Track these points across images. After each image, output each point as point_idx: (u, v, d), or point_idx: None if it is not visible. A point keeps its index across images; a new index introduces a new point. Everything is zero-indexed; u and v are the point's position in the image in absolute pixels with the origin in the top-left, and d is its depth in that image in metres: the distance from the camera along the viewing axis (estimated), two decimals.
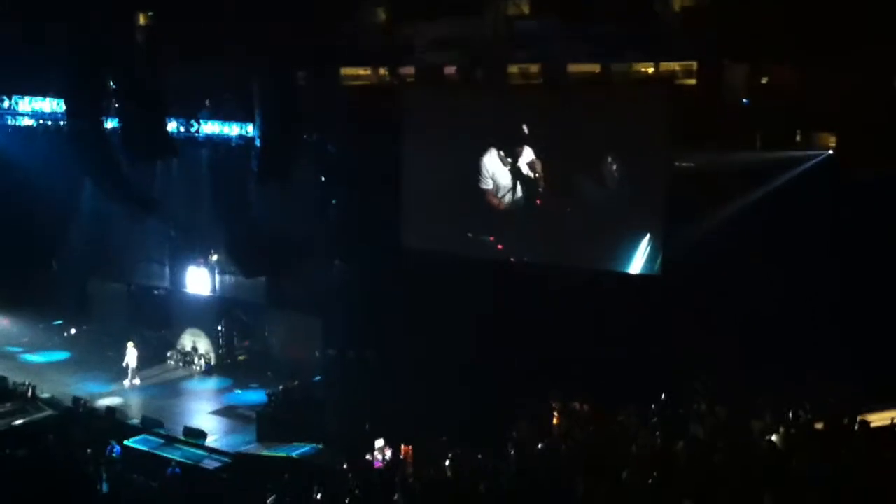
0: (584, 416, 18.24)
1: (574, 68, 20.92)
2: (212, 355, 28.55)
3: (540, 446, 16.64)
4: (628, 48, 19.77)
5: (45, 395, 24.79)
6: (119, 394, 25.90)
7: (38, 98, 26.38)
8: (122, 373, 26.53)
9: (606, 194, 20.64)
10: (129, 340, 26.88)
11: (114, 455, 20.43)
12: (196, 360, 28.49)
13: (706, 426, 15.36)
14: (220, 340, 28.79)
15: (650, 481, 12.80)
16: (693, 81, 19.78)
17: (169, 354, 28.97)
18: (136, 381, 26.56)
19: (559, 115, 20.86)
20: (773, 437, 13.51)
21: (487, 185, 22.26)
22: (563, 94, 21.05)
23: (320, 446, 21.10)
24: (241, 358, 28.27)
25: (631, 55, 20.03)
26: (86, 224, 29.68)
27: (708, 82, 19.15)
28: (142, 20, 25.38)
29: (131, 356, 26.63)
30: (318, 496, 16.72)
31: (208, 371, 28.04)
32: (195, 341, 29.01)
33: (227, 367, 27.98)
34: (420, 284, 23.07)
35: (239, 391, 26.26)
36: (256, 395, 25.04)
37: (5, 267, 30.52)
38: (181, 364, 28.62)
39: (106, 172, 25.29)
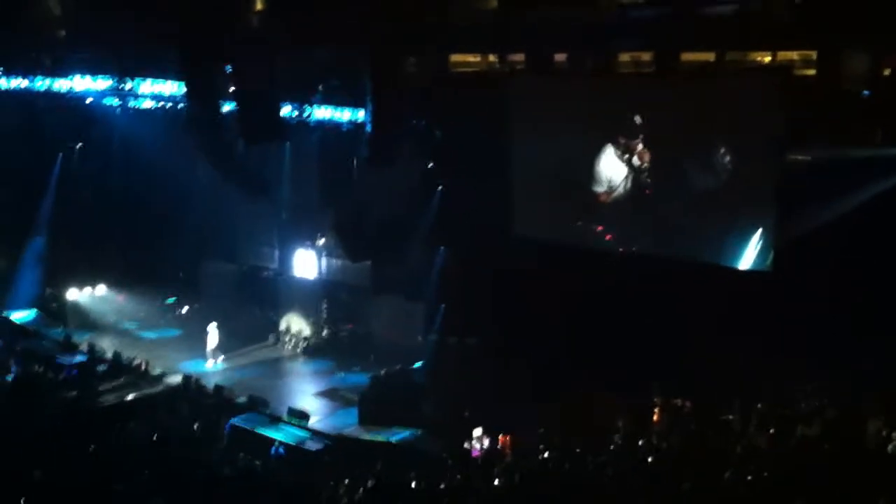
0: (686, 413, 17.87)
1: (687, 56, 20.38)
2: (316, 337, 28.97)
3: (641, 443, 16.41)
4: (744, 36, 19.10)
5: (157, 371, 25.63)
6: (226, 372, 26.55)
7: (159, 80, 27.27)
8: (213, 352, 27.16)
9: (718, 186, 20.07)
10: (214, 321, 27.45)
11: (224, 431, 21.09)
12: (300, 341, 28.93)
13: (816, 426, 14.84)
14: (325, 323, 29.20)
15: (756, 481, 12.50)
16: (812, 71, 19.01)
17: (275, 335, 29.51)
18: (218, 361, 27.09)
19: (671, 105, 20.38)
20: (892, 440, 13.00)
21: (599, 178, 21.91)
22: (675, 83, 20.57)
23: (419, 432, 21.22)
24: (344, 341, 28.51)
25: (747, 43, 19.37)
26: (201, 205, 30.40)
27: (827, 72, 18.36)
28: (258, 5, 25.80)
29: (213, 337, 27.23)
30: (415, 483, 16.81)
31: (312, 353, 28.41)
32: (300, 323, 29.45)
33: (330, 350, 28.28)
34: (525, 272, 22.93)
35: (342, 374, 26.50)
36: (359, 379, 25.23)
37: (122, 246, 31.61)
38: (286, 345, 29.13)
39: (221, 155, 25.96)
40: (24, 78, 28.87)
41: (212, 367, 26.83)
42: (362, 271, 28.66)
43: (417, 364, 24.98)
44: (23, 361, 25.15)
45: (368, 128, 23.37)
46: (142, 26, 24.63)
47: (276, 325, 29.79)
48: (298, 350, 28.74)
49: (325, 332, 28.96)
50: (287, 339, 29.20)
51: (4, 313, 29.65)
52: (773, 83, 19.26)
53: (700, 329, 19.71)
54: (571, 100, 22.11)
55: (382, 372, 24.20)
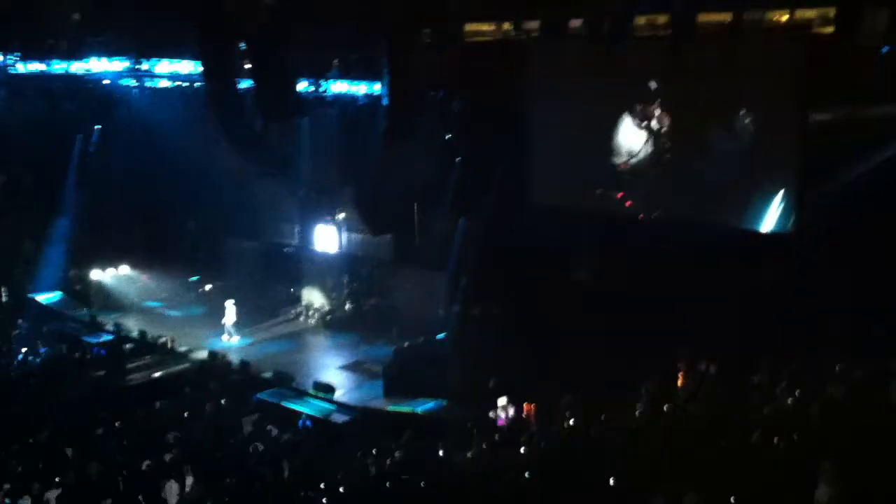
0: (711, 377, 17.83)
1: (704, 18, 20.15)
2: (339, 311, 29.11)
3: (665, 408, 16.40)
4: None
5: (183, 349, 25.87)
6: (252, 348, 26.75)
7: (175, 60, 27.31)
8: (230, 329, 27.49)
9: (739, 149, 19.84)
10: (231, 299, 27.80)
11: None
12: (323, 315, 29.11)
13: (842, 388, 14.77)
14: (347, 297, 29.32)
15: (783, 443, 12.48)
16: (830, 29, 18.75)
17: (298, 310, 29.70)
18: (235, 338, 27.34)
19: (689, 68, 20.16)
20: None
21: (618, 143, 21.77)
22: (692, 46, 20.36)
23: (445, 403, 21.33)
24: (367, 314, 28.62)
25: (764, 1, 19.11)
26: (221, 183, 30.52)
27: (846, 29, 18.08)
28: None
29: (230, 313, 27.44)
30: (442, 453, 16.92)
31: (335, 327, 28.56)
32: (323, 297, 29.67)
33: (353, 324, 28.41)
34: (546, 241, 22.87)
35: (366, 347, 26.66)
36: (383, 351, 25.37)
37: (144, 225, 31.80)
38: (309, 319, 29.30)
39: (239, 133, 26.00)
40: (41, 62, 28.98)
41: (227, 341, 27.10)
42: (383, 244, 28.78)
43: (441, 335, 25.04)
44: (50, 342, 25.47)
45: (385, 101, 23.33)
46: (156, 6, 24.62)
47: (299, 299, 30.01)
48: (322, 324, 28.90)
49: (347, 306, 29.11)
50: (310, 313, 29.39)
51: (30, 295, 29.95)
52: (791, 42, 19.03)
53: (723, 293, 19.63)
54: (588, 65, 21.92)
55: (406, 344, 24.33)
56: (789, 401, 14.85)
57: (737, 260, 19.77)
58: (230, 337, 27.31)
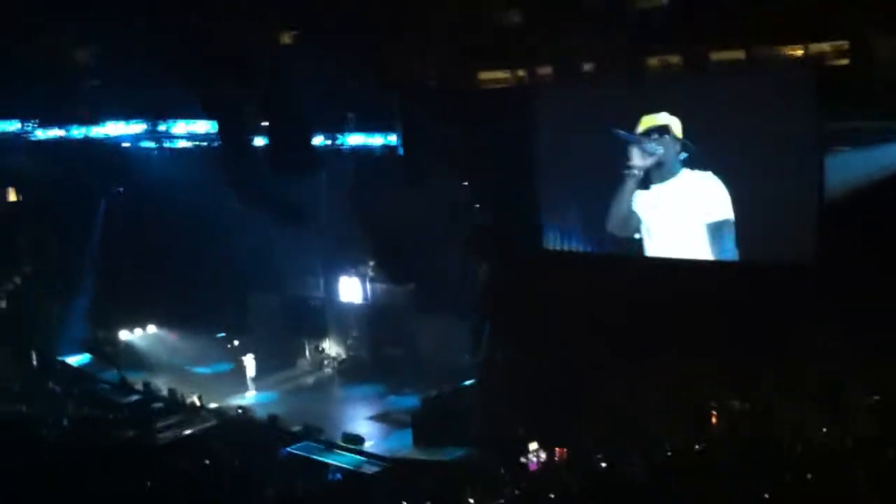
0: (744, 415, 17.70)
1: (717, 56, 20.26)
2: (364, 361, 29.16)
3: (697, 447, 16.29)
4: (772, 30, 18.92)
5: (212, 405, 25.92)
6: (279, 402, 26.80)
7: (191, 121, 27.70)
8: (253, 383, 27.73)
9: (755, 181, 19.87)
10: (249, 353, 28.08)
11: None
12: (349, 366, 29.17)
13: (875, 421, 14.63)
14: (373, 347, 29.37)
15: (816, 481, 12.37)
16: (845, 62, 18.78)
17: (324, 362, 29.77)
18: (253, 392, 27.51)
19: (703, 106, 20.27)
20: None
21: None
22: (705, 84, 20.47)
23: (475, 450, 21.23)
24: (394, 363, 28.62)
25: (776, 38, 19.18)
26: (244, 239, 30.77)
27: (861, 61, 18.10)
28: (285, 39, 26.13)
29: (250, 367, 27.70)
30: (473, 500, 16.82)
31: (363, 377, 28.57)
32: (348, 348, 29.75)
33: (380, 373, 28.41)
34: (567, 284, 22.86)
35: (393, 397, 26.62)
36: (410, 401, 25.31)
37: (169, 285, 32.02)
38: (337, 370, 29.35)
39: (255, 189, 26.28)
40: (59, 128, 29.40)
41: (251, 397, 27.16)
42: (406, 293, 28.87)
43: (468, 382, 24.98)
44: (80, 404, 25.59)
45: (401, 151, 23.56)
46: (171, 69, 25.01)
47: (326, 351, 30.07)
48: (348, 375, 28.93)
49: (373, 357, 29.12)
50: (336, 364, 29.44)
51: (60, 358, 30.17)
52: (806, 76, 19.07)
53: (747, 328, 19.49)
54: (601, 106, 22.05)
55: (434, 393, 24.28)
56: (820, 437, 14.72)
57: (758, 294, 19.61)
58: (253, 391, 27.39)
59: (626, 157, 21.42)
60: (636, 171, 21.36)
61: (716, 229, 20.63)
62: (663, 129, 20.76)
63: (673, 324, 20.77)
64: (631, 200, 21.78)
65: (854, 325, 17.78)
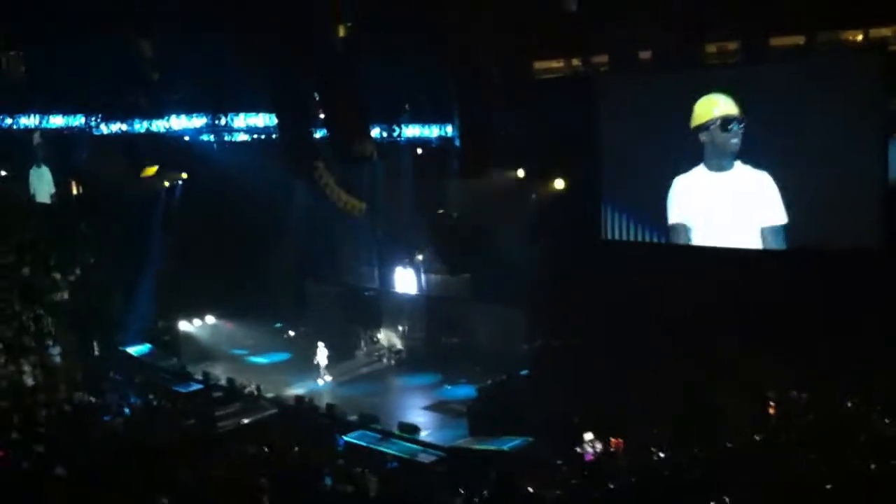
0: (802, 405, 17.46)
1: (776, 41, 19.96)
2: (420, 351, 29.29)
3: (757, 438, 16.13)
4: (832, 15, 18.58)
5: (270, 395, 26.23)
6: (336, 391, 27.03)
7: (252, 114, 27.97)
8: (323, 371, 27.86)
9: (819, 168, 19.56)
10: (321, 341, 28.11)
11: (338, 448, 21.44)
12: (405, 356, 29.33)
13: None
14: (428, 337, 29.47)
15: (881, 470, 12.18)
16: None
17: (380, 352, 29.96)
18: (328, 378, 27.72)
19: (762, 92, 20.00)
20: None
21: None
22: (764, 70, 20.19)
23: (531, 440, 21.20)
24: (450, 353, 28.69)
25: (836, 22, 18.84)
26: (301, 230, 31.05)
27: None
28: (341, 32, 26.27)
29: (322, 356, 27.83)
30: (531, 490, 16.82)
31: (418, 367, 28.68)
32: (404, 338, 29.88)
33: (435, 363, 28.49)
34: (626, 273, 22.75)
35: (449, 386, 26.68)
36: (466, 390, 25.38)
37: (228, 275, 32.42)
38: (393, 361, 29.53)
39: (315, 181, 26.48)
40: (122, 122, 29.88)
41: (322, 384, 27.40)
42: (462, 283, 28.92)
43: (523, 371, 24.96)
44: (142, 393, 26.02)
45: (457, 142, 23.56)
46: (231, 61, 25.27)
47: (381, 341, 30.23)
48: (403, 365, 29.06)
49: (429, 346, 29.24)
50: (392, 354, 29.60)
51: (121, 348, 30.72)
52: (867, 60, 18.75)
53: (807, 317, 19.21)
54: (658, 95, 21.88)
55: (489, 382, 24.30)
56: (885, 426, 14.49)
57: (817, 282, 19.31)
58: (322, 378, 27.67)
59: (684, 146, 21.24)
60: (698, 161, 21.17)
61: (771, 234, 20.38)
62: (729, 119, 20.50)
63: (731, 313, 20.58)
64: (688, 190, 21.58)
65: None
